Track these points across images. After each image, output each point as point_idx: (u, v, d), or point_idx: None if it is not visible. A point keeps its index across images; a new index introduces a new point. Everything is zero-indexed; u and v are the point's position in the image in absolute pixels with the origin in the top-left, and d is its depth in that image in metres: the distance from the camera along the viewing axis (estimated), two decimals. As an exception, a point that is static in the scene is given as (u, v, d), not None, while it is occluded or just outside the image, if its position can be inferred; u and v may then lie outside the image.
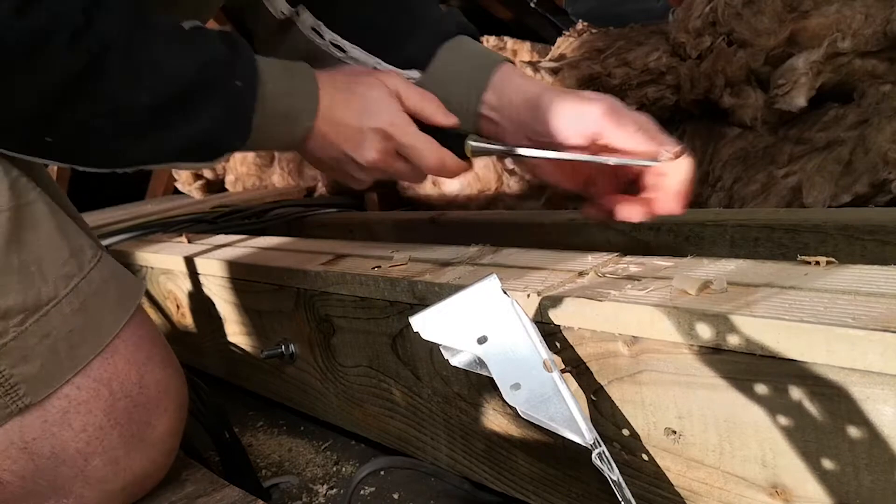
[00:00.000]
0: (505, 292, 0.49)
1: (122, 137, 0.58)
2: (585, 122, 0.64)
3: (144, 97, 0.57)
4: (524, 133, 0.69)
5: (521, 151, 0.67)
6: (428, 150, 0.67)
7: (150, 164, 0.62)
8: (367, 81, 0.68)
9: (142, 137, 0.59)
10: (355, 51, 0.76)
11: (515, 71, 0.72)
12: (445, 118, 0.69)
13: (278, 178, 2.15)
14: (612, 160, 0.63)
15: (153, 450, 0.64)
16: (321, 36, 0.76)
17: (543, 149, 0.66)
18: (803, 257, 0.48)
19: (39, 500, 0.61)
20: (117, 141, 0.59)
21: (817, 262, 0.47)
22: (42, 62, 0.52)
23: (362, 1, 0.77)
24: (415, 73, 0.74)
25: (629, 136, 0.62)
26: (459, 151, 0.69)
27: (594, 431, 0.45)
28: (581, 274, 0.55)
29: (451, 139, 0.69)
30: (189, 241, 1.09)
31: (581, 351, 0.51)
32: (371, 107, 0.66)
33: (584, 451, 0.45)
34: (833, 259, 0.46)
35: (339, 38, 0.76)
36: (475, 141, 0.69)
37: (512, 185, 1.39)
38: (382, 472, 0.77)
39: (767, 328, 0.40)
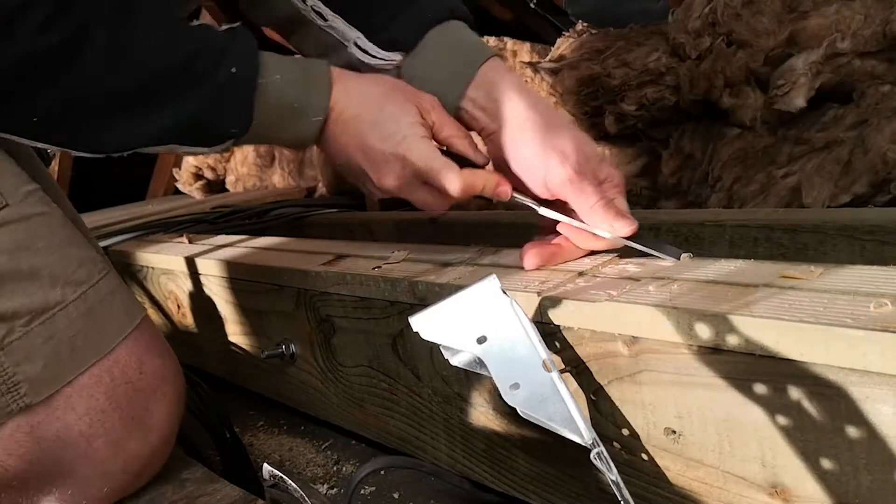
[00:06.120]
0: (505, 292, 0.49)
1: (103, 119, 0.59)
2: (550, 181, 0.62)
3: (122, 80, 0.57)
4: (496, 141, 0.67)
5: (544, 212, 0.63)
6: (454, 174, 0.62)
7: (141, 147, 0.61)
8: (398, 100, 0.64)
9: (124, 119, 0.59)
10: (337, 21, 0.72)
11: (503, 68, 0.69)
12: (476, 155, 0.66)
13: (279, 178, 2.15)
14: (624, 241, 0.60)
15: (151, 434, 0.66)
16: (303, 0, 0.73)
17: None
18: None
19: (45, 481, 0.63)
20: (99, 122, 0.59)
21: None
22: (19, 31, 0.53)
23: None
24: (397, 56, 0.71)
25: (587, 211, 0.60)
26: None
27: (593, 431, 0.46)
28: (581, 274, 0.55)
29: None
30: (190, 242, 1.10)
31: (581, 351, 0.51)
32: (397, 132, 0.62)
33: (584, 451, 0.45)
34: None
35: (320, 4, 0.72)
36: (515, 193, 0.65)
37: (512, 185, 1.39)
38: (382, 472, 0.77)
39: (766, 328, 0.40)
